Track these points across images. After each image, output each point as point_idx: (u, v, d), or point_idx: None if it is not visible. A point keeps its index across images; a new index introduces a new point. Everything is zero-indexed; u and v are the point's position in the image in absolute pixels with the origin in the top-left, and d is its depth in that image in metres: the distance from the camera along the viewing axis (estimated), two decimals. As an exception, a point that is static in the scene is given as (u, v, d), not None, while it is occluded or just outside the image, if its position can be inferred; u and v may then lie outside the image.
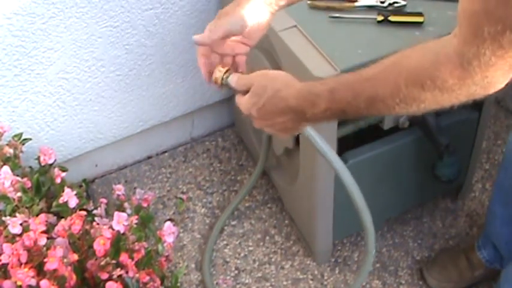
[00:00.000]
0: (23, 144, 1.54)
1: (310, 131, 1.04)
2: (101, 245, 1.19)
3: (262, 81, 0.93)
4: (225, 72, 0.97)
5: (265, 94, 0.91)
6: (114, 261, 1.20)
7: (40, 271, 1.14)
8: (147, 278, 1.25)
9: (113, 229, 1.24)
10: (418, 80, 0.77)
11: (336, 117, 0.91)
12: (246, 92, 0.94)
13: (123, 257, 1.22)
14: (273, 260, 1.68)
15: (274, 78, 0.93)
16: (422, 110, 0.81)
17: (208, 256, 1.66)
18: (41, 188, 1.43)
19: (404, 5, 1.31)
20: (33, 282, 1.10)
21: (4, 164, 1.37)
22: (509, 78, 0.76)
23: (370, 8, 1.32)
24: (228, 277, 1.65)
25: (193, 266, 1.68)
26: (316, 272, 1.65)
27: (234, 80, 0.96)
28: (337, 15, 1.31)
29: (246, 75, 0.96)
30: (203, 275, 1.64)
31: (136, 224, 1.32)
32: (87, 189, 1.82)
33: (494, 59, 0.71)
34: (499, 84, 0.75)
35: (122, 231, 1.25)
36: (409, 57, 0.80)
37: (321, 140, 1.06)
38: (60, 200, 1.33)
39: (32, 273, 1.11)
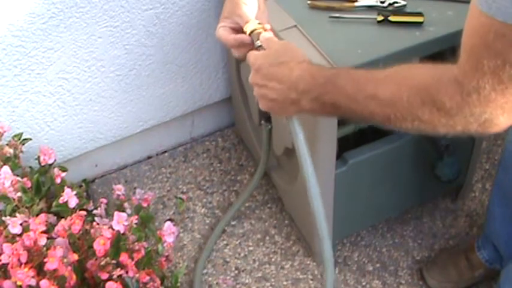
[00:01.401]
0: (23, 144, 1.54)
1: (295, 125, 0.98)
2: (101, 245, 1.19)
3: (282, 47, 0.94)
4: (259, 29, 1.00)
5: (280, 57, 0.92)
6: (114, 261, 1.20)
7: (40, 271, 1.14)
8: (147, 278, 1.25)
9: (113, 229, 1.24)
10: (419, 94, 0.77)
11: (326, 110, 0.89)
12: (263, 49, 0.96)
13: (123, 257, 1.22)
14: (273, 260, 1.68)
15: (294, 50, 0.94)
16: (416, 128, 0.79)
17: (204, 257, 1.66)
18: (41, 188, 1.43)
19: (404, 5, 1.31)
20: (33, 282, 1.10)
21: (4, 164, 1.37)
22: (510, 122, 0.74)
23: (370, 8, 1.32)
24: (228, 277, 1.65)
25: (193, 266, 1.67)
26: (316, 272, 1.65)
27: (265, 35, 0.98)
28: (337, 15, 1.31)
29: (276, 39, 0.98)
30: (195, 274, 1.63)
31: (136, 224, 1.32)
32: (87, 189, 1.82)
33: (494, 94, 0.70)
34: (498, 125, 0.74)
35: (122, 231, 1.25)
36: (417, 71, 0.80)
37: (302, 139, 1.00)
38: (60, 200, 1.34)
39: (32, 273, 1.11)
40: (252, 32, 1.00)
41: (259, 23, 1.01)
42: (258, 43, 0.99)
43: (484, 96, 0.71)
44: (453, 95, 0.74)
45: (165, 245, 1.38)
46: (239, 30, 1.03)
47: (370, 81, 0.83)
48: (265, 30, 0.99)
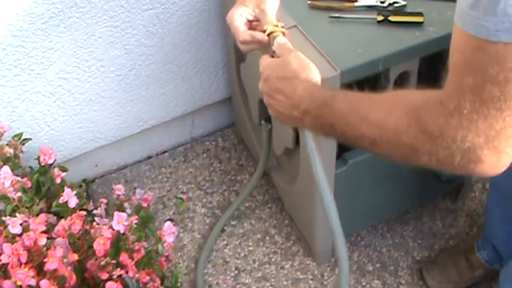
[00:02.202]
0: (23, 144, 1.54)
1: (309, 140, 0.99)
2: (101, 245, 1.19)
3: (292, 60, 0.93)
4: (279, 31, 0.98)
5: (287, 72, 0.91)
6: (114, 261, 1.20)
7: (40, 271, 1.14)
8: (147, 278, 1.25)
9: (113, 229, 1.24)
10: (406, 116, 0.75)
11: (325, 130, 0.88)
12: (277, 56, 0.96)
13: (123, 257, 1.22)
14: (273, 260, 1.68)
15: (305, 66, 0.93)
16: (399, 153, 0.77)
17: (204, 256, 1.66)
18: (41, 188, 1.43)
19: (404, 5, 1.31)
20: (33, 282, 1.10)
21: (4, 164, 1.37)
22: (497, 163, 0.71)
23: (370, 8, 1.32)
24: (228, 277, 1.65)
25: (193, 266, 1.67)
26: (316, 272, 1.65)
27: (280, 41, 0.97)
28: (337, 15, 1.31)
29: (290, 47, 0.96)
30: (197, 274, 1.63)
31: (136, 224, 1.32)
32: (87, 189, 1.82)
33: (475, 115, 0.68)
34: (483, 161, 0.70)
35: (122, 231, 1.25)
36: (411, 94, 0.80)
37: (317, 155, 1.00)
38: (60, 200, 1.34)
39: (32, 273, 1.11)
40: (270, 33, 0.99)
41: (278, 25, 0.99)
42: (273, 49, 0.97)
43: (465, 117, 0.69)
44: (436, 117, 0.72)
45: (165, 245, 1.38)
46: (254, 23, 1.02)
47: (364, 104, 0.82)
48: (283, 33, 0.98)
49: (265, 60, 0.97)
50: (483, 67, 0.66)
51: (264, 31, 0.99)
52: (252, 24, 1.03)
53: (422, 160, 0.75)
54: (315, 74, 0.92)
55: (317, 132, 0.92)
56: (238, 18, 1.02)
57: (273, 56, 0.98)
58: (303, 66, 0.93)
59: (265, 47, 1.00)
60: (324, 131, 0.88)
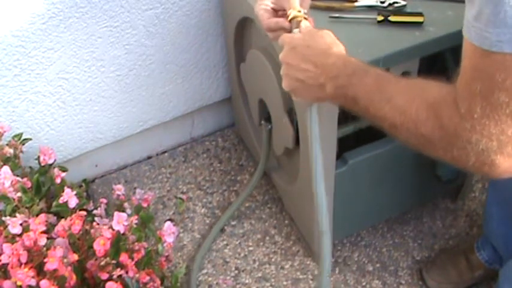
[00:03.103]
0: (23, 144, 1.54)
1: (313, 111, 1.00)
2: (101, 245, 1.19)
3: (324, 34, 0.94)
4: (301, 17, 0.99)
5: (317, 41, 0.92)
6: (114, 262, 1.20)
7: (40, 271, 1.14)
8: (147, 278, 1.25)
9: (113, 229, 1.24)
10: (426, 109, 0.78)
11: (346, 101, 0.89)
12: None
13: (123, 257, 1.22)
14: (273, 260, 1.68)
15: (335, 42, 0.94)
16: (417, 141, 0.80)
17: (201, 255, 1.66)
18: (41, 188, 1.43)
19: (404, 5, 1.31)
20: (33, 282, 1.10)
21: (4, 164, 1.37)
22: (510, 168, 0.73)
23: (370, 8, 1.32)
24: (228, 277, 1.65)
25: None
26: (316, 272, 1.65)
27: (306, 25, 0.98)
28: (337, 15, 1.31)
29: (316, 29, 0.97)
30: (191, 272, 1.63)
31: (136, 224, 1.32)
32: (87, 189, 1.82)
33: (486, 120, 0.70)
34: (497, 165, 0.72)
35: (121, 231, 1.25)
36: (431, 86, 0.80)
37: (317, 128, 1.02)
38: (60, 200, 1.34)
39: (32, 273, 1.11)
40: (293, 18, 0.99)
41: (301, 11, 0.99)
42: (296, 31, 0.98)
43: (477, 121, 0.71)
44: (452, 116, 0.74)
45: (165, 245, 1.38)
46: (278, 12, 1.03)
47: (391, 85, 0.84)
48: (305, 19, 0.99)
49: (290, 34, 0.97)
50: (490, 74, 0.68)
51: (287, 17, 1.00)
52: (278, 14, 1.03)
53: (438, 153, 0.78)
54: (340, 46, 0.94)
55: (336, 102, 0.92)
56: (263, 7, 1.03)
57: None
58: (335, 42, 0.94)
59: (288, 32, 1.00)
60: (345, 102, 0.89)
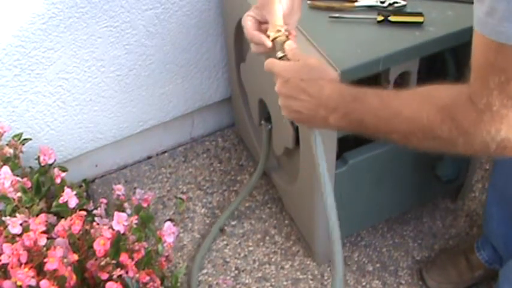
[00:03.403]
0: (23, 144, 1.54)
1: (317, 140, 1.00)
2: (101, 245, 1.19)
3: (314, 64, 0.94)
4: (283, 36, 0.99)
5: (311, 73, 0.93)
6: (114, 262, 1.20)
7: (40, 271, 1.14)
8: (147, 278, 1.25)
9: (113, 229, 1.24)
10: (439, 113, 0.79)
11: (352, 126, 0.91)
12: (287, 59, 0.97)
13: (123, 257, 1.22)
14: (273, 260, 1.68)
15: (326, 69, 0.96)
16: (436, 146, 0.82)
17: (200, 255, 1.66)
18: (41, 188, 1.43)
19: (404, 5, 1.31)
20: (33, 282, 1.10)
21: (4, 164, 1.37)
22: None
23: (370, 8, 1.32)
24: (228, 277, 1.65)
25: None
26: (316, 272, 1.65)
27: (291, 46, 0.98)
28: (337, 15, 1.31)
29: (302, 53, 0.98)
30: (192, 272, 1.63)
31: (136, 224, 1.32)
32: (87, 189, 1.82)
33: (505, 110, 0.72)
34: None
35: (121, 231, 1.25)
36: (438, 90, 0.82)
37: (321, 156, 1.01)
38: (60, 200, 1.34)
39: (32, 273, 1.11)
40: (274, 39, 0.99)
41: (283, 29, 0.99)
42: (280, 54, 0.98)
43: (496, 113, 0.73)
44: (468, 114, 0.76)
45: (165, 245, 1.38)
46: (262, 24, 1.03)
47: (395, 99, 0.85)
48: (287, 37, 0.98)
49: (279, 64, 0.97)
50: (506, 67, 0.70)
51: (268, 36, 1.00)
52: (262, 27, 1.03)
53: (458, 151, 0.80)
54: (336, 76, 0.96)
55: (342, 128, 0.95)
56: (249, 20, 1.03)
57: (281, 59, 0.98)
58: (325, 68, 0.95)
59: (271, 52, 1.00)
60: (351, 127, 0.90)
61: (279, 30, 0.99)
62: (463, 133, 0.77)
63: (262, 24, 1.03)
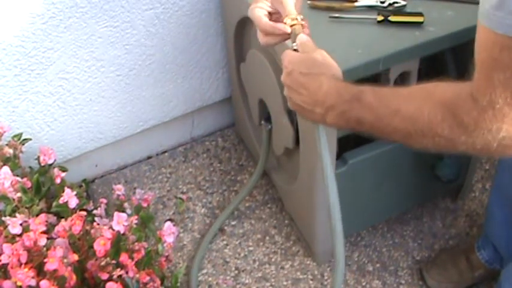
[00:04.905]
0: (23, 144, 1.54)
1: (321, 135, 1.00)
2: (101, 246, 1.19)
3: (317, 58, 0.93)
4: (299, 25, 0.98)
5: (312, 68, 0.92)
6: (114, 262, 1.20)
7: (40, 271, 1.14)
8: (147, 278, 1.25)
9: (113, 229, 1.24)
10: (440, 110, 0.78)
11: (350, 125, 0.90)
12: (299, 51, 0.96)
13: (123, 257, 1.22)
14: (273, 260, 1.68)
15: (328, 64, 0.94)
16: (436, 145, 0.80)
17: (200, 255, 1.66)
18: (41, 188, 1.43)
19: (404, 5, 1.31)
20: (33, 282, 1.10)
21: (4, 164, 1.37)
22: None
23: (370, 8, 1.32)
24: (228, 277, 1.65)
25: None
26: (316, 272, 1.65)
27: (302, 38, 0.96)
28: (337, 15, 1.31)
29: (313, 44, 0.96)
30: (191, 272, 1.63)
31: (136, 224, 1.32)
32: (87, 189, 1.82)
33: (508, 108, 0.72)
34: None
35: (122, 232, 1.25)
36: (438, 87, 0.81)
37: (325, 149, 1.01)
38: (60, 200, 1.34)
39: (32, 273, 1.11)
40: (292, 26, 0.97)
41: (299, 18, 0.98)
42: (294, 45, 0.97)
43: (498, 111, 0.72)
44: (470, 111, 0.75)
45: (165, 245, 1.38)
46: (274, 15, 1.02)
47: (394, 97, 0.84)
48: (303, 27, 0.98)
49: (289, 54, 0.96)
50: (511, 63, 0.69)
51: (285, 24, 0.98)
52: (273, 17, 1.02)
53: (459, 149, 0.79)
54: (338, 72, 0.94)
55: (338, 127, 0.94)
56: (259, 10, 1.02)
57: (295, 50, 0.97)
58: (328, 64, 0.94)
59: (286, 39, 0.99)
60: (349, 126, 0.90)
61: (295, 19, 0.98)
62: (464, 131, 0.76)
63: (272, 16, 1.02)
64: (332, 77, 0.92)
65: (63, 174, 1.47)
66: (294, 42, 0.97)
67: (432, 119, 0.78)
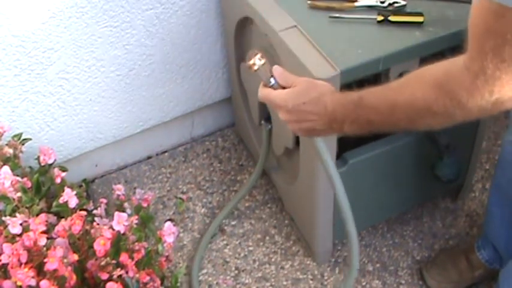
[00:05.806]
0: (23, 144, 1.54)
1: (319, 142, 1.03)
2: (101, 245, 1.19)
3: (308, 84, 0.96)
4: (263, 64, 0.98)
5: (309, 94, 0.94)
6: (114, 262, 1.20)
7: (40, 271, 1.14)
8: (147, 278, 1.25)
9: (113, 229, 1.24)
10: (432, 89, 0.80)
11: (364, 128, 0.93)
12: (282, 87, 0.97)
13: (123, 257, 1.22)
14: (273, 260, 1.68)
15: (320, 85, 0.97)
16: (437, 123, 0.83)
17: (199, 255, 1.66)
18: (41, 188, 1.43)
19: (404, 5, 1.31)
20: (33, 282, 1.10)
21: (4, 164, 1.37)
22: None
23: (370, 8, 1.32)
24: (228, 277, 1.65)
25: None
26: (316, 272, 1.65)
27: (278, 71, 0.98)
28: (337, 15, 1.31)
29: (290, 74, 0.98)
30: (192, 272, 1.63)
31: (136, 224, 1.32)
32: (87, 189, 1.82)
33: (498, 72, 0.73)
34: (510, 100, 0.77)
35: (122, 232, 1.25)
36: (428, 69, 0.83)
37: (325, 151, 1.05)
38: (60, 200, 1.34)
39: (32, 273, 1.11)
40: (256, 70, 0.98)
41: (259, 54, 0.98)
42: (272, 81, 0.97)
43: (490, 76, 0.74)
44: (462, 82, 0.77)
45: (165, 245, 1.38)
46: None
47: (388, 92, 0.88)
48: (265, 64, 0.99)
49: (278, 95, 0.97)
50: (504, 32, 0.71)
51: (252, 68, 1.00)
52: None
53: (459, 121, 0.82)
54: (329, 86, 0.97)
55: (357, 132, 0.96)
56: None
57: (272, 87, 0.98)
58: (316, 84, 0.97)
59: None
60: (364, 129, 0.93)
61: (258, 59, 0.98)
62: (457, 103, 0.78)
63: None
64: (330, 93, 0.95)
65: (63, 174, 1.47)
66: (267, 78, 0.98)
67: (427, 100, 0.81)
